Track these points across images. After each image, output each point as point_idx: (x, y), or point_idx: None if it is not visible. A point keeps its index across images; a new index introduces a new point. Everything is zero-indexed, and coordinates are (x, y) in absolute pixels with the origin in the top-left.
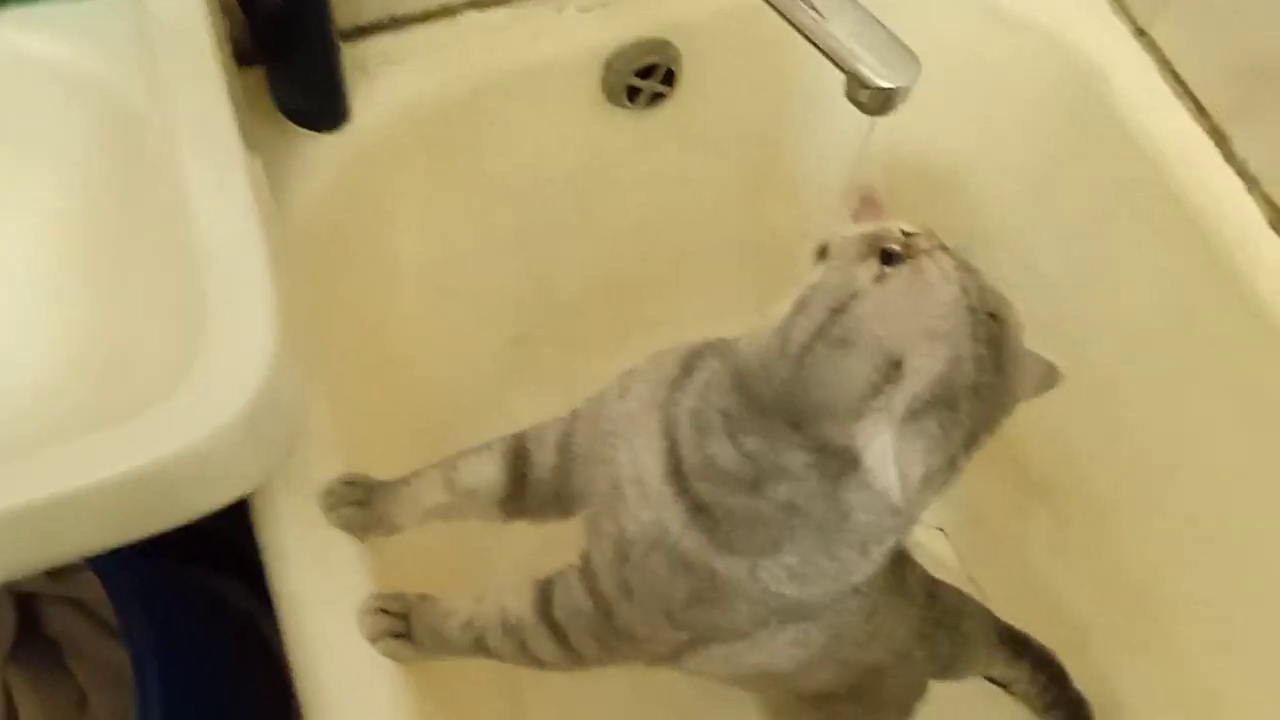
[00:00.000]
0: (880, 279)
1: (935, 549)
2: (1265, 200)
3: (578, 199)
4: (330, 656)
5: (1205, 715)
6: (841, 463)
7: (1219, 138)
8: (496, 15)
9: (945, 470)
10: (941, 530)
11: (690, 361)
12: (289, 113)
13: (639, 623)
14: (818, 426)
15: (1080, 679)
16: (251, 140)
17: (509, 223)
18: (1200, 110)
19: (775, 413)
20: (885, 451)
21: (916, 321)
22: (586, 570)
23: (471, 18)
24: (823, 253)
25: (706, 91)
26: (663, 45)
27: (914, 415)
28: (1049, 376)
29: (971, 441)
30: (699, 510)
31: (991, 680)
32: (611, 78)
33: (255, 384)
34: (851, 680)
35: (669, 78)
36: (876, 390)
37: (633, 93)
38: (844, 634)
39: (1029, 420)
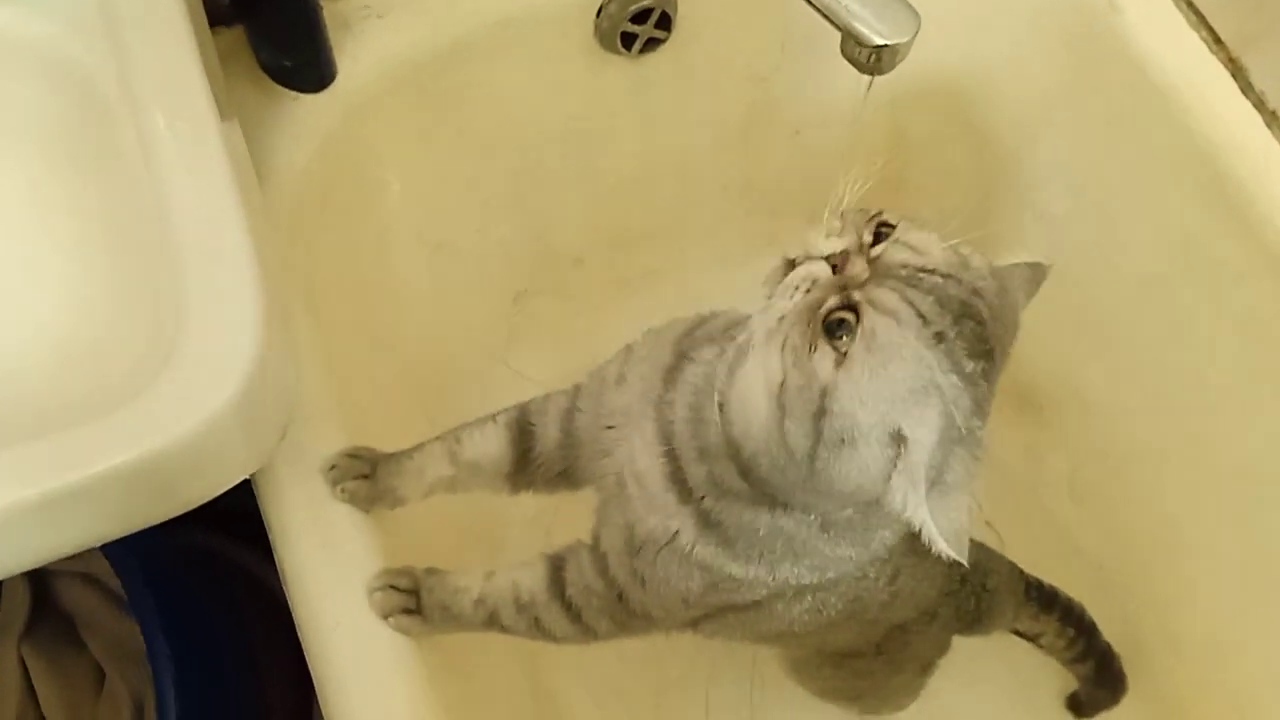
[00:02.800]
0: (840, 363)
1: None
2: None
3: (574, 149)
4: (341, 633)
5: (1223, 658)
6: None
7: (1235, 68)
8: None
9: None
10: None
11: (682, 348)
12: (272, 72)
13: (653, 606)
14: (850, 502)
15: (1100, 623)
16: (231, 105)
17: (504, 177)
18: (1216, 40)
19: (802, 494)
20: (929, 527)
21: (894, 391)
22: (597, 551)
23: None
24: (783, 272)
25: (703, 35)
26: None
27: (935, 479)
28: (1037, 275)
29: (987, 412)
30: (709, 524)
31: (1018, 634)
32: (605, 23)
33: (243, 369)
34: (876, 638)
35: (664, 21)
36: (893, 464)
37: (627, 39)
38: (865, 598)
39: (1044, 364)
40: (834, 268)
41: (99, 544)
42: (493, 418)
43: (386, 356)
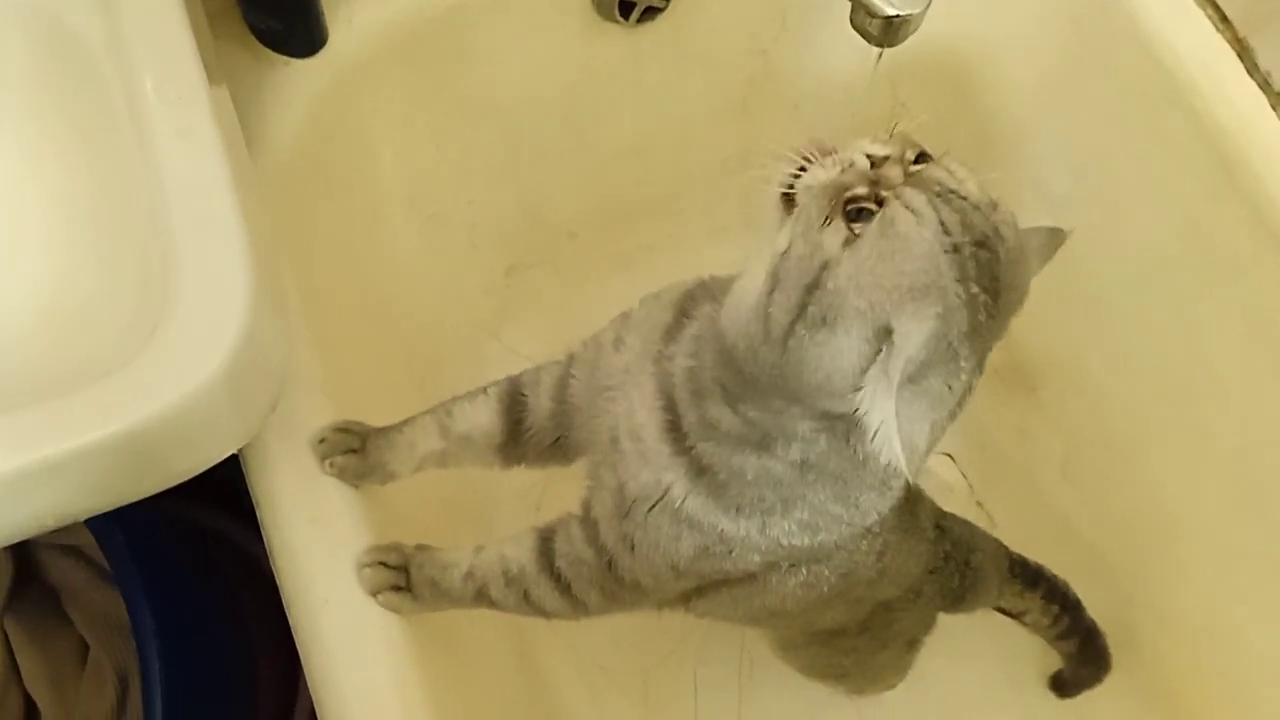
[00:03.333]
0: (849, 242)
1: (944, 474)
2: None
3: (569, 120)
4: (329, 610)
5: (1216, 642)
6: (849, 423)
7: (1241, 48)
8: None
9: (958, 408)
10: (949, 455)
11: (683, 307)
12: (262, 36)
13: (643, 574)
14: (819, 403)
15: (1089, 602)
16: (220, 69)
17: (498, 147)
18: (1222, 19)
19: (772, 391)
20: (888, 424)
21: (896, 282)
22: (587, 520)
23: None
24: (789, 201)
25: (703, 4)
26: None
27: (912, 379)
28: (1054, 240)
29: (980, 367)
30: (701, 472)
31: (1002, 611)
32: None
33: (231, 339)
34: (861, 616)
35: None
36: (871, 361)
37: (625, 7)
38: (855, 573)
39: (1042, 346)
40: (872, 166)
41: (85, 518)
42: (484, 390)
43: (377, 328)
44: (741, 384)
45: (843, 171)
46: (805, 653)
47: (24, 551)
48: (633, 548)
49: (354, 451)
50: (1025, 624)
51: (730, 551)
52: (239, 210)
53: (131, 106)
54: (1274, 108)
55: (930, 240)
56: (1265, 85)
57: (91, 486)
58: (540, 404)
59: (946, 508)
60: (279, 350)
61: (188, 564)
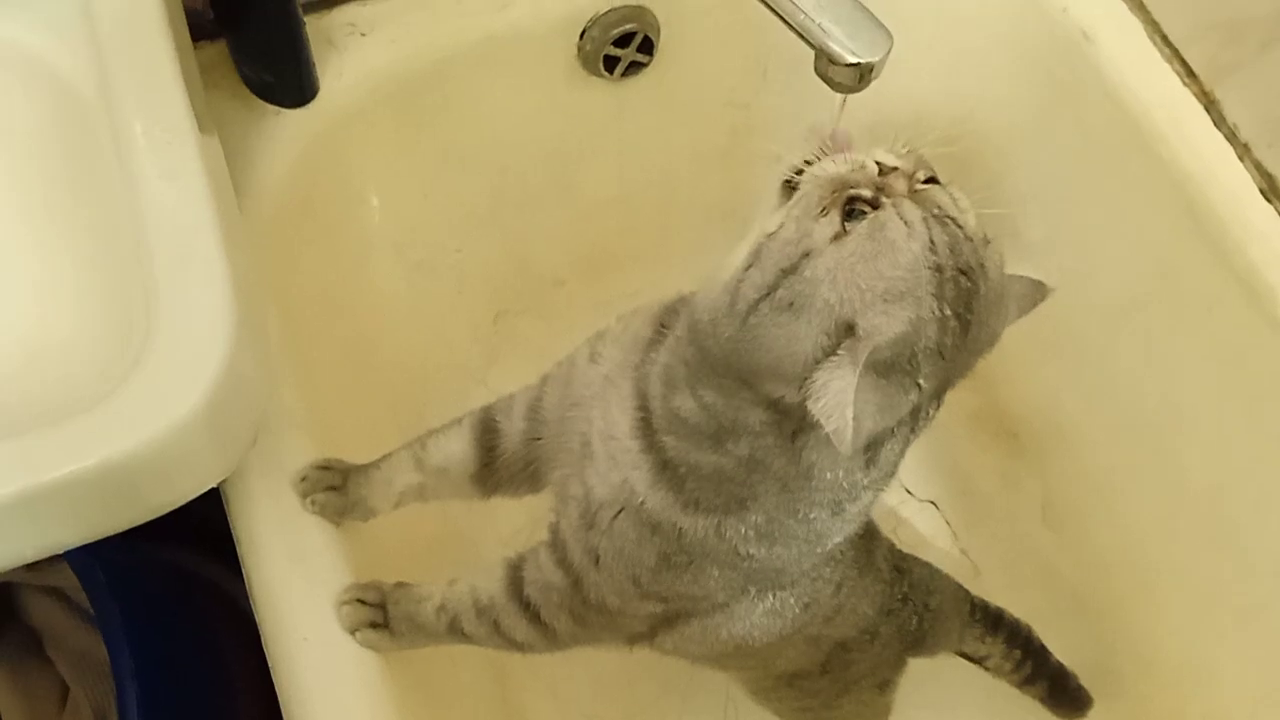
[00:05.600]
0: (838, 237)
1: (928, 522)
2: (1257, 168)
3: (555, 171)
4: (307, 648)
5: (1198, 683)
6: (796, 421)
7: (1208, 102)
8: None
9: (910, 424)
10: (933, 503)
11: (664, 320)
12: (253, 87)
13: (608, 592)
14: (765, 386)
15: (1071, 646)
16: (210, 118)
17: (485, 196)
18: (1189, 73)
19: (724, 369)
20: (845, 393)
21: (872, 285)
22: (555, 542)
23: None
24: (790, 187)
25: (686, 59)
26: (640, 12)
27: (873, 369)
28: (1036, 293)
29: (938, 397)
30: (665, 467)
31: (964, 656)
32: (587, 47)
33: (211, 375)
34: (820, 657)
35: (646, 45)
36: (827, 355)
37: (610, 62)
38: (814, 606)
39: (1020, 391)
40: (880, 174)
41: (64, 550)
42: (458, 421)
43: (364, 373)
44: (700, 360)
45: (853, 170)
46: (774, 695)
47: (6, 593)
48: (597, 560)
49: (334, 489)
50: (988, 669)
51: (690, 562)
52: (222, 250)
53: (120, 149)
54: (1241, 158)
55: (916, 253)
56: (1232, 137)
57: (70, 519)
58: (513, 427)
59: (929, 556)
60: (260, 387)
61: (169, 605)
